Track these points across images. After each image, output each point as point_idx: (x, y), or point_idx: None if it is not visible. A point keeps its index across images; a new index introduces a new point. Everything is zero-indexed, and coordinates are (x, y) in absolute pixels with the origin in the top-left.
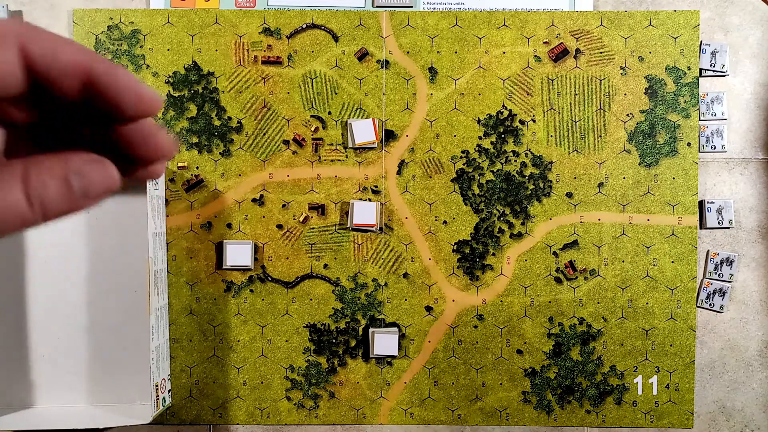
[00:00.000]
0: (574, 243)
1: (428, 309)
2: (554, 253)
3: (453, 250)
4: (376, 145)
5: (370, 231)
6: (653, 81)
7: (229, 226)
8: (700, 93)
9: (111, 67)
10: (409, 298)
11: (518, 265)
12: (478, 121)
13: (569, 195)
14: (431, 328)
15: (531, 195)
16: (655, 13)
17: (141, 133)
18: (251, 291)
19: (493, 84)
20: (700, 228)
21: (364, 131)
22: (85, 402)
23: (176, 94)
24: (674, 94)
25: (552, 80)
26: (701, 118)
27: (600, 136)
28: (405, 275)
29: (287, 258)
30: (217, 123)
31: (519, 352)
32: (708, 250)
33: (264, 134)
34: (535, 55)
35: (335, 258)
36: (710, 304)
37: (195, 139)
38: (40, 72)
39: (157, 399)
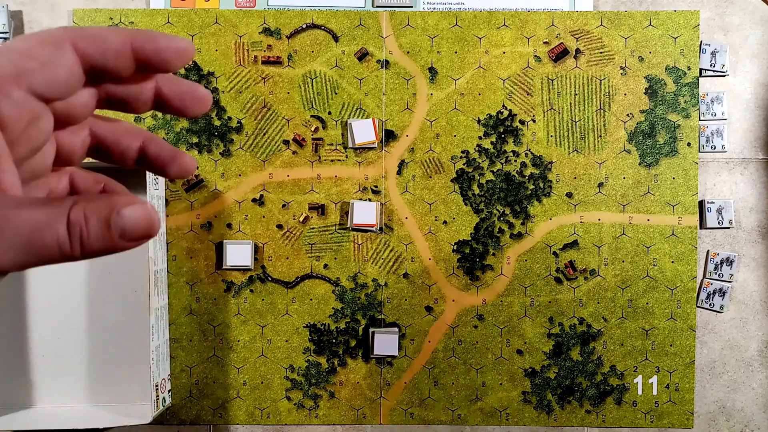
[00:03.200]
0: (574, 243)
1: (428, 309)
2: (554, 253)
3: (453, 250)
4: (376, 145)
5: (370, 231)
6: (653, 81)
7: (229, 226)
8: (700, 93)
9: (149, 33)
10: (409, 298)
11: (518, 265)
12: (478, 121)
13: (569, 195)
14: (431, 328)
15: (531, 195)
16: (655, 13)
17: (182, 89)
18: (251, 291)
19: (493, 84)
20: (700, 228)
21: (364, 131)
22: (85, 402)
23: None
24: (674, 94)
25: (552, 80)
26: (701, 118)
27: (600, 136)
28: (405, 275)
29: (287, 258)
30: (217, 123)
31: (519, 352)
32: (708, 250)
33: (264, 134)
34: (535, 55)
35: (335, 258)
36: (710, 304)
37: (195, 139)
38: (97, 62)
39: (157, 399)
